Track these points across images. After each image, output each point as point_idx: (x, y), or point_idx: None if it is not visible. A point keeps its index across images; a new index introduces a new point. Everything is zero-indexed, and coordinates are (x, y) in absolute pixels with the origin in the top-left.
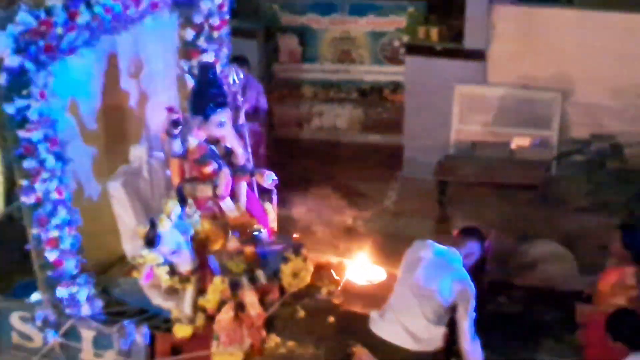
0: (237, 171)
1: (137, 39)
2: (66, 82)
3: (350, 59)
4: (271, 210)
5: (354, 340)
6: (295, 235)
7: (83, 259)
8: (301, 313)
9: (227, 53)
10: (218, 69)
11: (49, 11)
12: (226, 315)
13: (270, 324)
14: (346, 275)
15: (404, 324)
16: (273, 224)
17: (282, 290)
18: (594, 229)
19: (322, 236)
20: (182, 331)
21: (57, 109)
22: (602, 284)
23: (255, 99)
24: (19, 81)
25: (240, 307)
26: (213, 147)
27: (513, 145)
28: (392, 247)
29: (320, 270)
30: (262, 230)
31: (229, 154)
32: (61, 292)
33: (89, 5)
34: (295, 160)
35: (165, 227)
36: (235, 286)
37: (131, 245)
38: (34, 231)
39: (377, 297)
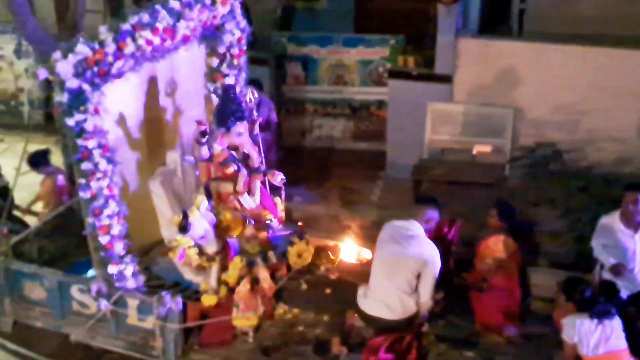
0: (252, 172)
1: (173, 65)
2: (115, 100)
3: (344, 81)
4: (280, 203)
5: (348, 308)
6: (299, 224)
7: (129, 243)
8: (304, 286)
9: (245, 77)
10: (238, 89)
11: (101, 43)
12: (244, 287)
13: (279, 295)
14: (340, 255)
15: (383, 300)
16: (281, 214)
17: (288, 268)
18: (540, 219)
19: (321, 224)
20: (208, 300)
21: (108, 122)
22: (480, 248)
23: (267, 114)
24: (78, 99)
25: (255, 281)
26: (233, 152)
27: (474, 151)
28: (376, 233)
29: (320, 251)
30: (272, 219)
31: (246, 158)
32: (112, 269)
33: (134, 39)
34: (299, 163)
35: (195, 216)
36: (251, 264)
37: (168, 232)
38: (89, 220)
39: (365, 272)
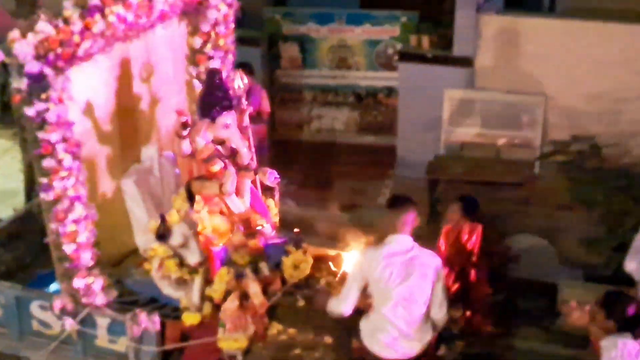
0: (241, 170)
1: (149, 46)
2: (82, 86)
3: (347, 65)
4: (273, 206)
5: (353, 328)
6: (295, 230)
7: (98, 252)
8: (301, 302)
9: (233, 60)
10: (224, 74)
11: (66, 21)
12: (231, 304)
13: (272, 313)
14: (343, 267)
15: (402, 341)
16: (275, 219)
17: (283, 281)
18: (574, 224)
19: (320, 230)
20: (190, 319)
21: (74, 112)
22: (443, 235)
23: (259, 103)
24: (39, 86)
25: (244, 296)
26: (219, 147)
27: (499, 146)
28: None
29: (319, 262)
30: (265, 225)
31: (234, 153)
32: (78, 282)
33: (103, 15)
34: (295, 160)
35: (174, 222)
36: (240, 277)
37: (143, 239)
38: (52, 226)
39: None
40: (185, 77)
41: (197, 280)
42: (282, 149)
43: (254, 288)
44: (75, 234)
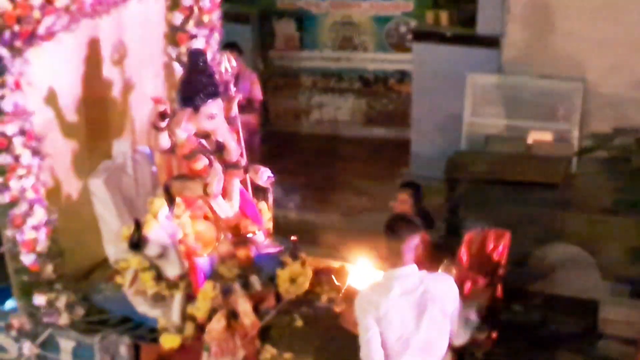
0: (229, 167)
1: (121, 23)
2: (44, 70)
3: (353, 45)
4: (266, 210)
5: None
6: (292, 238)
7: (61, 263)
8: (299, 322)
9: (219, 39)
10: (209, 56)
11: None
12: (217, 324)
13: (265, 334)
14: (348, 281)
15: None
16: (268, 224)
17: (278, 298)
18: (618, 231)
19: (322, 238)
20: (169, 341)
21: (34, 100)
22: (465, 243)
23: (249, 89)
24: None
25: (232, 315)
26: (203, 141)
27: (530, 141)
28: None
29: (320, 275)
30: (256, 231)
31: (220, 149)
32: (38, 298)
33: None
34: (292, 156)
35: (151, 228)
36: (227, 293)
37: (114, 248)
38: (8, 232)
39: None
40: (164, 59)
41: (178, 297)
42: (277, 143)
43: (243, 305)
44: (34, 242)
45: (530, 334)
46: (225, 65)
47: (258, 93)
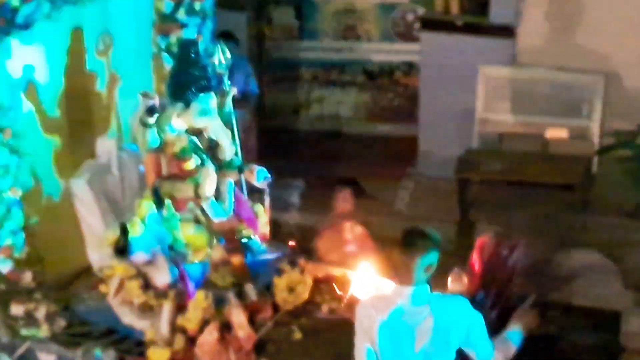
0: (222, 167)
1: (106, 11)
2: (22, 61)
3: (356, 35)
4: (263, 213)
5: None
6: (291, 243)
7: (41, 270)
8: (298, 335)
9: (212, 28)
10: (201, 46)
11: None
12: (210, 336)
13: (261, 347)
14: (351, 289)
15: None
16: (265, 229)
17: (275, 308)
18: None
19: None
20: (157, 355)
21: (11, 94)
22: (477, 249)
23: (244, 83)
24: None
25: (226, 327)
26: (195, 138)
27: (547, 138)
28: None
29: (320, 284)
30: (252, 236)
31: (213, 147)
32: (15, 309)
33: None
34: (290, 154)
35: (138, 232)
36: (220, 303)
37: (98, 254)
38: None
39: None
40: (152, 50)
41: (167, 307)
42: (274, 140)
43: (238, 316)
44: (12, 248)
45: (547, 348)
46: (219, 56)
47: (254, 87)
